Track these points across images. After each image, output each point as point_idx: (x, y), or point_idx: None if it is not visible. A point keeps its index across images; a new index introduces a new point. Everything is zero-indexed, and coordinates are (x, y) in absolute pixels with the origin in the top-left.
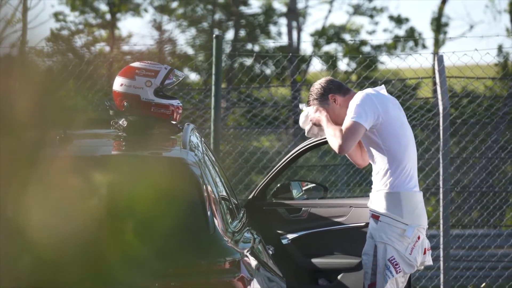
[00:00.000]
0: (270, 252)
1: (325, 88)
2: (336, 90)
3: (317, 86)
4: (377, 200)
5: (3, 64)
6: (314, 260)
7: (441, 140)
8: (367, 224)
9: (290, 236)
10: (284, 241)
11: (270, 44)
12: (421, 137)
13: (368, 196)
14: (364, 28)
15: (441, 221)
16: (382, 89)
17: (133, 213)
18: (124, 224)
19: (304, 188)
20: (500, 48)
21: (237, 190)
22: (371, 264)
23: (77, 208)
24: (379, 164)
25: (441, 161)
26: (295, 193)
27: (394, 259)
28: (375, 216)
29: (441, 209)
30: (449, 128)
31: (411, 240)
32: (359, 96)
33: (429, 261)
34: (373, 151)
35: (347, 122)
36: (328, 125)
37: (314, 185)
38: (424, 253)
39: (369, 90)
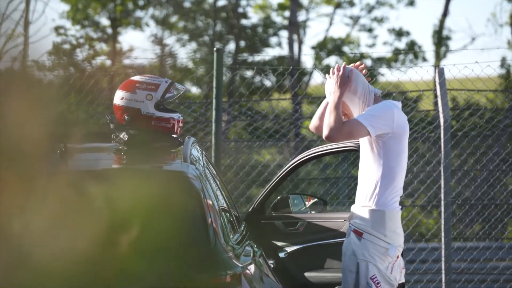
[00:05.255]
0: (271, 266)
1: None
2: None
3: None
4: (361, 216)
5: (5, 78)
6: (308, 274)
7: (442, 152)
8: None
9: (287, 249)
10: (281, 255)
11: (271, 55)
12: (422, 150)
13: None
14: (362, 41)
15: (443, 234)
16: (399, 104)
17: (134, 226)
18: (124, 238)
19: (310, 203)
20: (503, 60)
21: (238, 203)
22: (353, 281)
23: (77, 222)
24: (371, 177)
25: (442, 173)
26: (294, 206)
27: (376, 277)
28: (358, 233)
29: (442, 221)
30: (450, 140)
31: (392, 259)
32: (382, 103)
33: (402, 279)
34: (370, 161)
35: (355, 120)
36: (334, 108)
37: (316, 199)
38: (400, 271)
39: (393, 101)
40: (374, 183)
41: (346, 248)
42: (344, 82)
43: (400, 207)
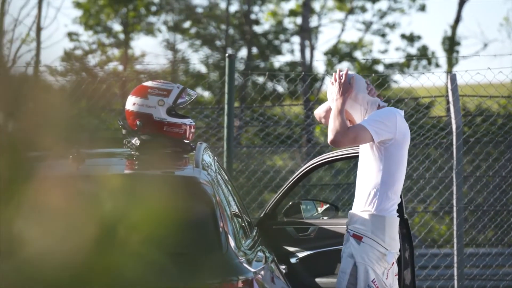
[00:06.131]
0: (283, 271)
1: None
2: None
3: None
4: (361, 221)
5: (17, 82)
6: (319, 280)
7: (455, 158)
8: None
9: (299, 255)
10: (293, 260)
11: (283, 61)
12: (434, 156)
13: None
14: (374, 45)
15: (455, 240)
16: (402, 112)
17: (146, 232)
18: (136, 243)
19: (322, 209)
20: None
21: (250, 208)
22: (346, 282)
23: (86, 227)
24: (371, 182)
25: (454, 179)
26: (306, 212)
27: (376, 281)
28: (358, 237)
29: (454, 227)
30: (463, 146)
31: (388, 265)
32: (386, 109)
33: (396, 285)
34: (371, 166)
35: (359, 125)
36: (338, 113)
37: (328, 205)
38: (393, 277)
39: (396, 109)
40: (374, 188)
41: (344, 252)
42: (347, 89)
43: (398, 214)
